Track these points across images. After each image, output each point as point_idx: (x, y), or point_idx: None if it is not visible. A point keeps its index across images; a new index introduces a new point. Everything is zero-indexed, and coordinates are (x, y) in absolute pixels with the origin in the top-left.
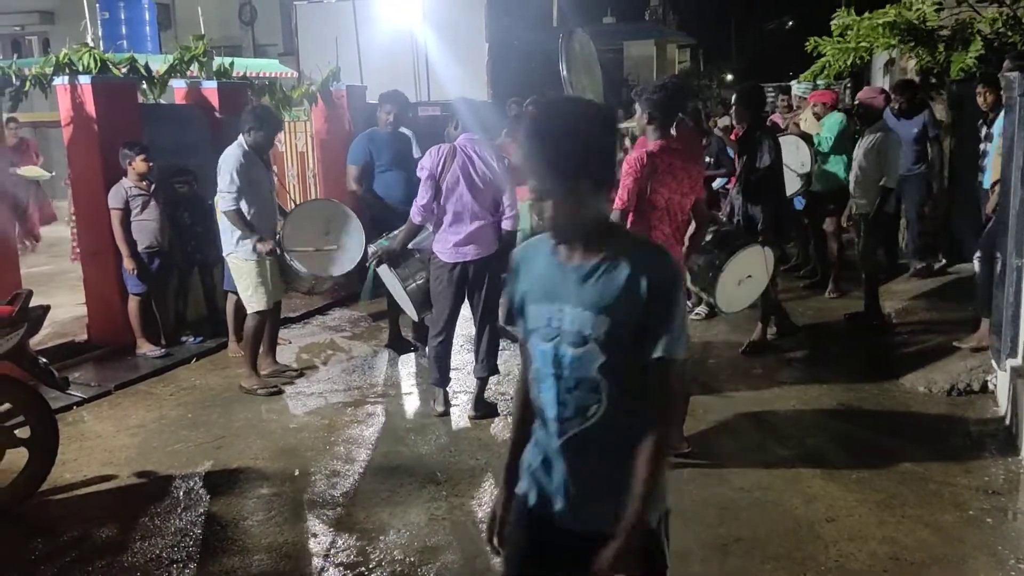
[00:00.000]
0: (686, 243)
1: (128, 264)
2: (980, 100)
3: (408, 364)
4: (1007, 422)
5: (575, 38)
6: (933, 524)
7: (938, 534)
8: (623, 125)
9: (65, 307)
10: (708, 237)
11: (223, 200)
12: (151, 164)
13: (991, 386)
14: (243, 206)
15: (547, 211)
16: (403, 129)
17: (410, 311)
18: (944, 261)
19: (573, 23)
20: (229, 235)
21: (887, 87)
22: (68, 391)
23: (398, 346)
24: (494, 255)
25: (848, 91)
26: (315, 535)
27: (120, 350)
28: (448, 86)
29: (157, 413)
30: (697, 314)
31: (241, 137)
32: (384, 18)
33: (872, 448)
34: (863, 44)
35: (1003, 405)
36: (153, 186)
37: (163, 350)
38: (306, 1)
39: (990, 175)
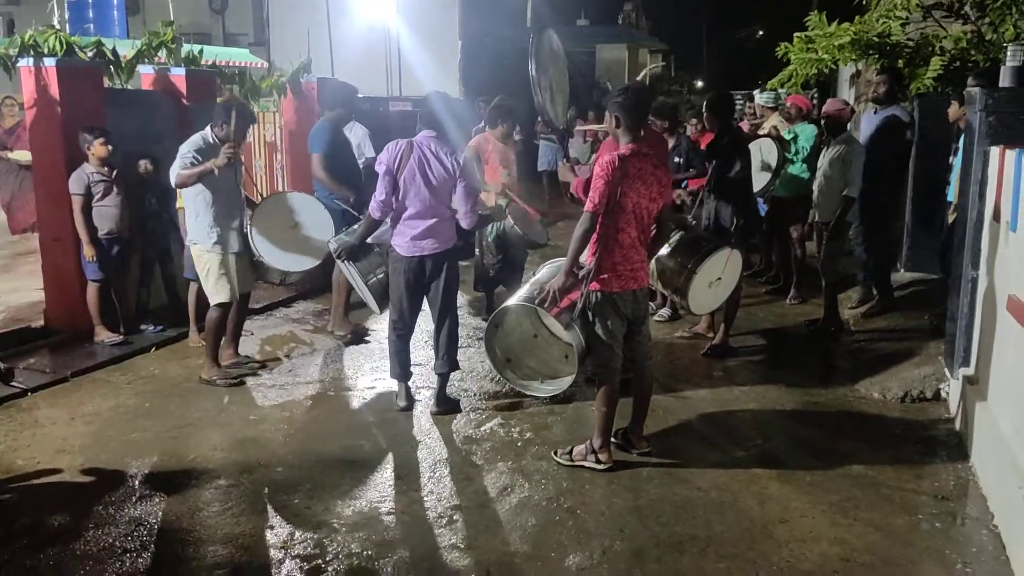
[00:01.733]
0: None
1: (88, 251)
2: (952, 112)
3: (371, 358)
4: (958, 429)
5: (545, 38)
6: (884, 527)
7: (889, 537)
8: (591, 127)
9: (23, 292)
10: (675, 238)
11: (172, 175)
12: (111, 148)
13: (943, 394)
14: (204, 196)
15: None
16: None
17: (372, 305)
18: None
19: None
20: (192, 223)
21: (852, 98)
22: (12, 383)
23: (354, 338)
24: (452, 249)
25: (815, 100)
26: (272, 527)
27: (78, 337)
28: (421, 81)
29: (114, 402)
30: (660, 316)
31: (207, 128)
32: (358, 11)
33: (827, 452)
34: (825, 56)
35: (954, 412)
36: (115, 172)
37: (121, 338)
38: None
39: (955, 189)
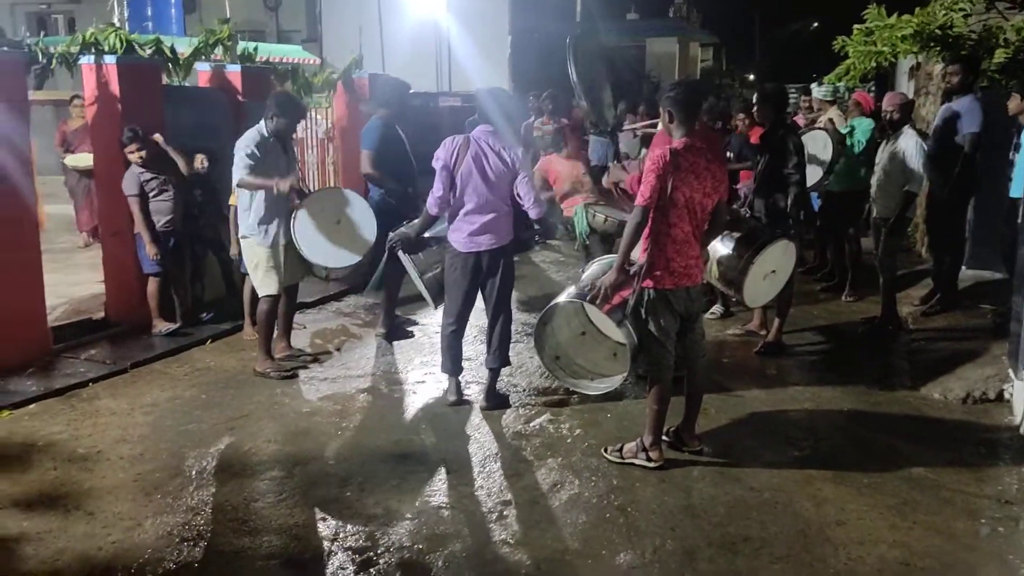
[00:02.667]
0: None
1: (151, 250)
2: (1012, 105)
3: (421, 352)
4: (1022, 431)
5: (578, 41)
6: (945, 531)
7: (950, 541)
8: (639, 126)
9: (84, 284)
10: (734, 234)
11: (236, 173)
12: (143, 155)
13: (1007, 395)
14: (256, 191)
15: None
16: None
17: (428, 299)
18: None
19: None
20: (243, 217)
21: (912, 92)
22: None
23: (395, 335)
24: (509, 245)
25: (872, 94)
26: (324, 519)
27: (137, 329)
28: (470, 77)
29: (171, 392)
30: (712, 313)
31: (262, 122)
32: (408, 8)
33: (885, 453)
34: (885, 48)
35: (1018, 414)
36: (164, 172)
37: (177, 325)
38: None
39: (1021, 184)
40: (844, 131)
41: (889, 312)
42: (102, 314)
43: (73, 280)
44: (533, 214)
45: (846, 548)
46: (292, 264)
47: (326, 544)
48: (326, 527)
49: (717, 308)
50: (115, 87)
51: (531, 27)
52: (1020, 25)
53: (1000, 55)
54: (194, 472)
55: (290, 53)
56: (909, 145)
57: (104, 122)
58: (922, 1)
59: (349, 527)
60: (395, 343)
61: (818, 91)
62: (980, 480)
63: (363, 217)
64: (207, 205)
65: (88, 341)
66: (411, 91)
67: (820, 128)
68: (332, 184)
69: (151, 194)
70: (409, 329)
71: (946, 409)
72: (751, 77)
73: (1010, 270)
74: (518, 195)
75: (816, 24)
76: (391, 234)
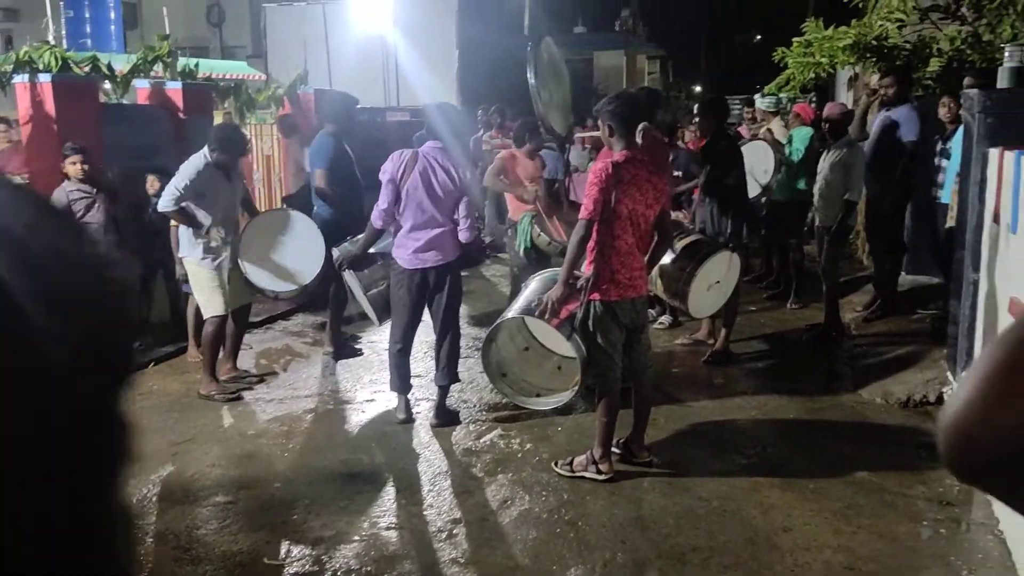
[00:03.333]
0: (649, 254)
1: None
2: (942, 112)
3: (370, 370)
4: None
5: (543, 46)
6: (888, 534)
7: (893, 544)
8: (589, 135)
9: None
10: (676, 245)
11: (162, 200)
12: (87, 168)
13: (946, 398)
14: (199, 216)
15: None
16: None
17: (371, 316)
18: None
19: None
20: (185, 238)
21: (851, 102)
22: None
23: (342, 353)
24: (454, 261)
25: (813, 104)
26: (270, 543)
27: None
28: (418, 91)
29: None
30: (661, 323)
31: (206, 149)
32: (355, 22)
33: (830, 458)
34: (823, 59)
35: None
36: (97, 189)
37: None
38: (276, 4)
39: (949, 190)
40: (783, 141)
41: (832, 319)
42: None
43: None
44: (463, 237)
45: (793, 554)
46: (238, 285)
47: (272, 571)
48: (272, 552)
49: (665, 318)
50: (50, 106)
51: (479, 41)
52: (953, 35)
53: (934, 64)
54: (134, 500)
55: (234, 69)
56: (848, 154)
57: (39, 142)
58: (858, 13)
59: (295, 551)
60: (343, 361)
61: (761, 102)
62: (921, 482)
63: (310, 239)
64: (161, 226)
65: None
66: (358, 106)
67: (759, 139)
68: (278, 203)
69: (78, 213)
70: (357, 347)
71: (888, 413)
72: (697, 89)
73: (944, 275)
74: (459, 214)
75: (759, 37)
76: (335, 251)
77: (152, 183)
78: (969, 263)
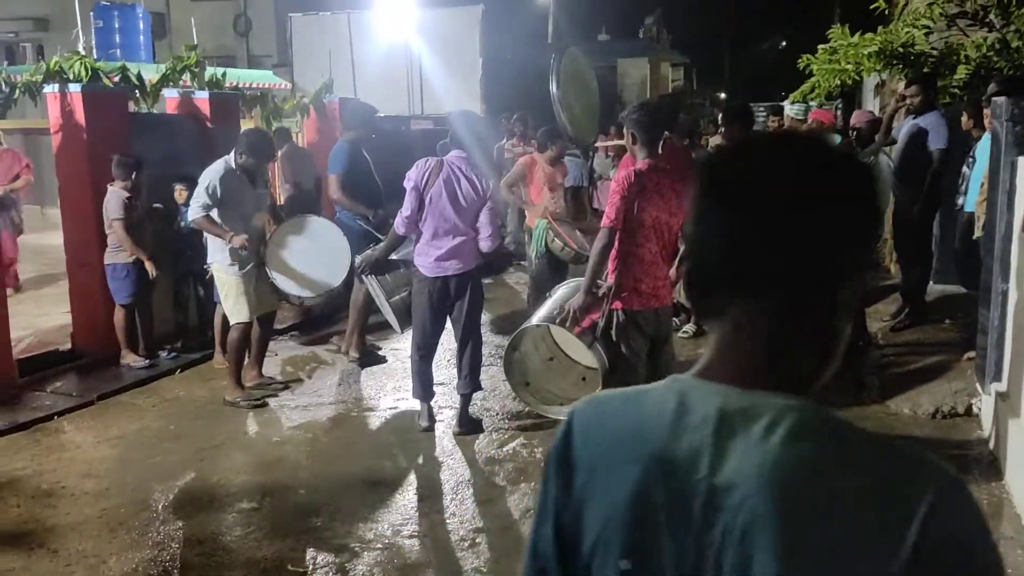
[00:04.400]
0: (675, 263)
1: (151, 268)
2: (964, 121)
3: (394, 378)
4: (991, 446)
5: (567, 56)
6: None
7: None
8: (611, 143)
9: (51, 316)
10: None
11: (190, 209)
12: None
13: (976, 409)
14: (224, 220)
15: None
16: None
17: (393, 324)
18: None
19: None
20: (211, 244)
21: (877, 109)
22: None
23: (366, 360)
24: (476, 269)
25: (839, 111)
26: (294, 550)
27: (104, 360)
28: (442, 100)
29: (139, 424)
30: (685, 332)
31: (232, 154)
32: (379, 31)
33: None
34: (849, 66)
35: (987, 429)
36: (138, 197)
37: (147, 361)
38: (301, 13)
39: (974, 197)
40: None
41: (859, 328)
42: (69, 345)
43: (39, 311)
44: (485, 246)
45: None
46: (265, 292)
47: None
48: (296, 559)
49: (689, 327)
50: (80, 115)
51: (503, 49)
52: (980, 42)
53: (962, 71)
54: (161, 506)
55: (260, 78)
56: (875, 162)
57: (69, 151)
58: (885, 20)
59: (319, 558)
60: (367, 369)
61: (790, 109)
62: None
63: (336, 244)
64: (193, 235)
65: (54, 373)
66: (379, 114)
67: None
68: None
69: (132, 219)
70: (380, 354)
71: (916, 424)
72: (722, 96)
73: (966, 284)
74: (481, 223)
75: (784, 43)
76: (357, 257)
77: (180, 192)
78: (998, 272)
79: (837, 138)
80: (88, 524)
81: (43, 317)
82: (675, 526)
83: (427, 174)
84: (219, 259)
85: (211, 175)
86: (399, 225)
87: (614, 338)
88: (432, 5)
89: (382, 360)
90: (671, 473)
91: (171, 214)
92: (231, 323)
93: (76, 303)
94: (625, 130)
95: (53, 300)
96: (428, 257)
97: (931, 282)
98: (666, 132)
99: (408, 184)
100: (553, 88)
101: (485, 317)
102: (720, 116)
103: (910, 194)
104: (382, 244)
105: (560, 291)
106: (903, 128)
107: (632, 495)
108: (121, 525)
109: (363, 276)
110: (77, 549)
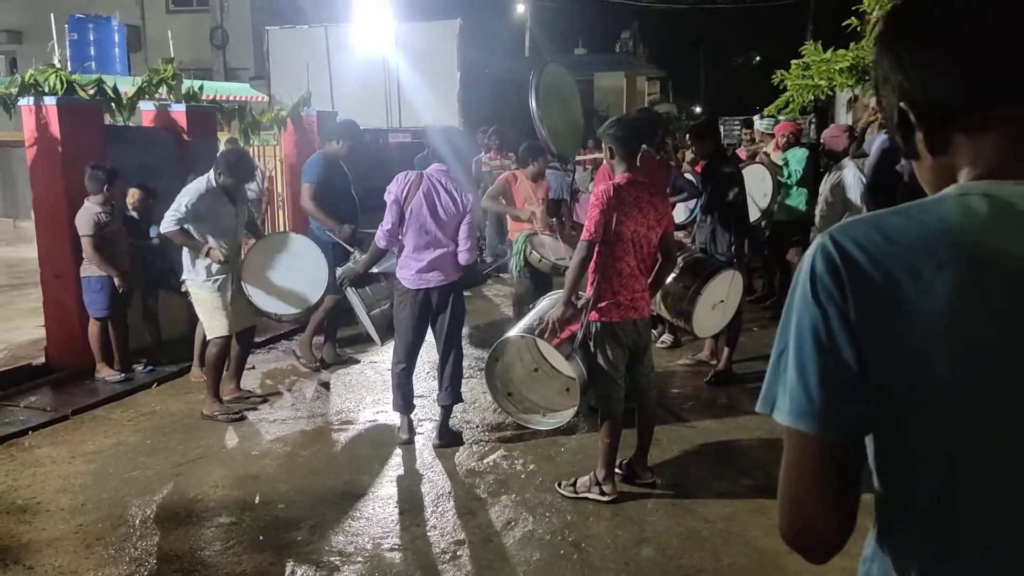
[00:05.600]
0: (652, 276)
1: (121, 283)
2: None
3: (373, 391)
4: None
5: (547, 72)
6: None
7: None
8: (589, 157)
9: (24, 329)
10: (679, 264)
11: (164, 222)
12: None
13: None
14: (201, 236)
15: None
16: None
17: (374, 336)
18: None
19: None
20: (187, 261)
21: (851, 123)
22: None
23: (329, 361)
24: (458, 282)
25: (813, 126)
26: (273, 564)
27: (79, 374)
28: (420, 113)
29: (115, 439)
30: (663, 343)
31: (212, 173)
32: (357, 45)
33: None
34: (822, 82)
35: None
36: (114, 210)
37: (122, 376)
38: (278, 26)
39: None
40: (780, 162)
41: None
42: (43, 359)
43: (11, 325)
44: (463, 259)
45: None
46: (243, 306)
47: None
48: (275, 574)
49: (667, 337)
50: (55, 128)
51: (480, 63)
52: None
53: None
54: (138, 521)
55: (237, 91)
56: (848, 177)
57: (44, 164)
58: (857, 36)
59: (299, 573)
60: (346, 382)
61: (760, 124)
62: None
63: (313, 261)
64: (164, 248)
65: (28, 388)
66: (360, 128)
67: (757, 163)
68: (279, 224)
69: (106, 234)
70: (344, 351)
71: None
72: (697, 110)
73: None
74: (459, 236)
75: (758, 59)
76: (339, 270)
77: (132, 195)
78: None
79: (806, 151)
80: (64, 540)
81: (16, 331)
82: (1018, 312)
83: (407, 187)
84: (193, 274)
85: (190, 194)
86: (380, 238)
87: (591, 349)
88: (410, 19)
89: (351, 359)
90: (1008, 263)
91: (137, 224)
92: (208, 338)
93: (50, 317)
94: (604, 144)
95: (26, 313)
96: (410, 270)
97: None
98: (644, 146)
99: (388, 197)
100: (533, 105)
101: (464, 329)
102: (688, 133)
103: (882, 207)
104: (364, 257)
105: (543, 303)
106: (875, 142)
107: (962, 293)
108: (98, 541)
109: (344, 289)
110: (53, 565)
